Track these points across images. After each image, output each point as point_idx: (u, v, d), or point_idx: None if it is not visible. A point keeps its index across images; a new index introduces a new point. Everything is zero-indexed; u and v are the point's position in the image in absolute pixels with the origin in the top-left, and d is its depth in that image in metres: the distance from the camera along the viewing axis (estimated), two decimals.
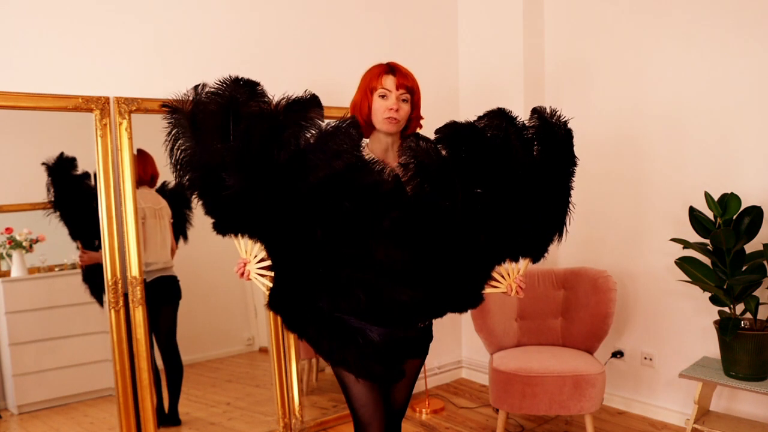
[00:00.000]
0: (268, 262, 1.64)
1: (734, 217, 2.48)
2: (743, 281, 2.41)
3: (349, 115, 1.77)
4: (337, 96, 2.73)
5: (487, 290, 1.69)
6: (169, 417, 2.68)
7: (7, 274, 2.41)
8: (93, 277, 2.47)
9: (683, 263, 2.59)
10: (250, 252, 1.65)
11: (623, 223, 3.15)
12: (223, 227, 1.63)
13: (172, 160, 1.61)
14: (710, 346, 2.79)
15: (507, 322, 2.95)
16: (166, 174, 2.63)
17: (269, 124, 1.54)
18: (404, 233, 1.52)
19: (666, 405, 3.01)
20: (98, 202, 2.40)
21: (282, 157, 1.51)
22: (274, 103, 1.60)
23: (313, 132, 1.55)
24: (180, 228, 2.73)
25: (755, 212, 2.46)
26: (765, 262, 2.44)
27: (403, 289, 1.53)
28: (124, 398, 2.43)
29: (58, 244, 2.46)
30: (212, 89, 1.59)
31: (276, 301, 1.61)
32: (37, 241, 2.43)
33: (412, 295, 1.55)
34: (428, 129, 1.74)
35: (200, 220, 1.73)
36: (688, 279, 2.59)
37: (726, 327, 2.40)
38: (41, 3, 2.34)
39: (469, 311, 2.86)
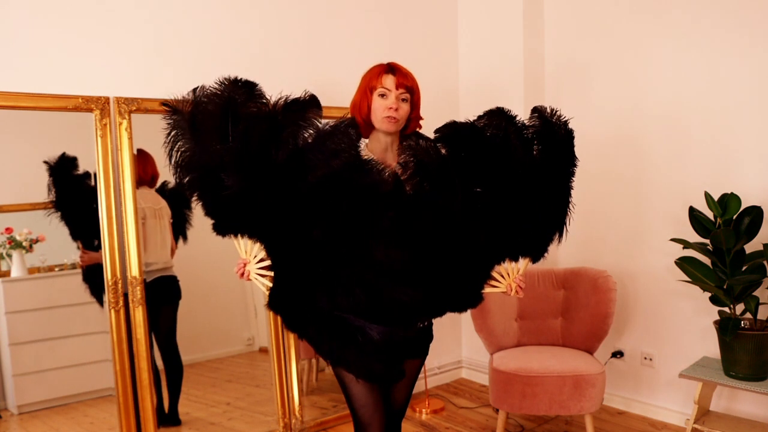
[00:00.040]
0: (268, 262, 1.64)
1: (734, 217, 2.48)
2: (743, 281, 2.41)
3: (348, 115, 1.78)
4: (337, 96, 2.73)
5: (487, 290, 1.69)
6: (169, 417, 2.68)
7: (7, 274, 2.41)
8: (93, 277, 2.47)
9: (683, 263, 2.59)
10: (249, 252, 1.65)
11: (623, 223, 3.15)
12: (222, 228, 1.63)
13: (172, 162, 1.61)
14: (710, 346, 2.79)
15: (507, 322, 2.95)
16: (166, 174, 2.63)
17: (268, 124, 1.54)
18: (404, 233, 1.52)
19: (666, 405, 3.01)
20: (98, 202, 2.40)
21: (280, 156, 1.52)
22: (272, 103, 1.60)
23: (312, 132, 1.56)
24: (180, 228, 2.73)
25: (755, 212, 2.46)
26: (765, 262, 2.44)
27: (404, 289, 1.53)
28: (124, 398, 2.43)
29: (58, 244, 2.46)
30: (210, 90, 1.59)
31: (276, 301, 1.61)
32: (37, 241, 2.43)
33: (413, 295, 1.55)
34: (428, 129, 1.74)
35: (200, 220, 1.73)
36: (688, 279, 2.59)
37: (726, 327, 2.40)
38: (41, 3, 2.35)
39: (469, 311, 2.89)
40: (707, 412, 2.71)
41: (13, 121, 2.28)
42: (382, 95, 1.72)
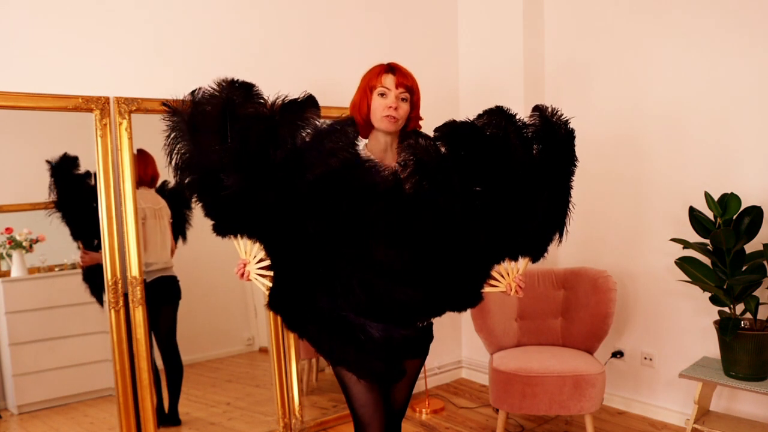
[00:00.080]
0: (268, 262, 1.64)
1: (734, 217, 2.48)
2: (743, 281, 2.41)
3: (347, 114, 1.78)
4: (337, 96, 2.72)
5: (487, 289, 1.69)
6: (169, 417, 2.68)
7: (7, 274, 2.41)
8: (93, 277, 2.47)
9: (683, 263, 2.59)
10: (249, 253, 1.65)
11: (623, 223, 3.15)
12: (222, 228, 1.63)
13: (172, 164, 1.62)
14: (710, 346, 2.79)
15: (507, 322, 2.95)
16: (165, 174, 2.63)
17: (266, 124, 1.54)
18: (403, 232, 1.52)
19: (666, 405, 3.01)
20: (98, 202, 2.40)
21: (279, 156, 1.52)
22: (270, 103, 1.60)
23: (310, 131, 1.56)
24: (179, 228, 2.73)
25: (755, 212, 2.46)
26: (765, 262, 2.44)
27: (403, 289, 1.53)
28: (124, 398, 2.43)
29: (58, 244, 2.46)
30: (208, 92, 1.59)
31: (276, 301, 1.61)
32: (37, 241, 2.43)
33: (412, 295, 1.55)
34: (428, 129, 1.74)
35: (200, 220, 1.73)
36: (688, 279, 2.59)
37: (726, 327, 2.40)
38: (41, 3, 2.35)
39: (469, 311, 2.90)
40: (707, 412, 2.71)
41: (13, 121, 2.28)
42: (382, 94, 1.72)
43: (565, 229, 1.73)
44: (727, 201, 2.48)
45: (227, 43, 2.79)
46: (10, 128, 2.31)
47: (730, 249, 2.43)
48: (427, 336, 1.89)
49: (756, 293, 2.47)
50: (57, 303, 2.49)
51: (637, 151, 3.07)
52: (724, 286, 2.48)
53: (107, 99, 2.42)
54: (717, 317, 2.60)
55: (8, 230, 2.38)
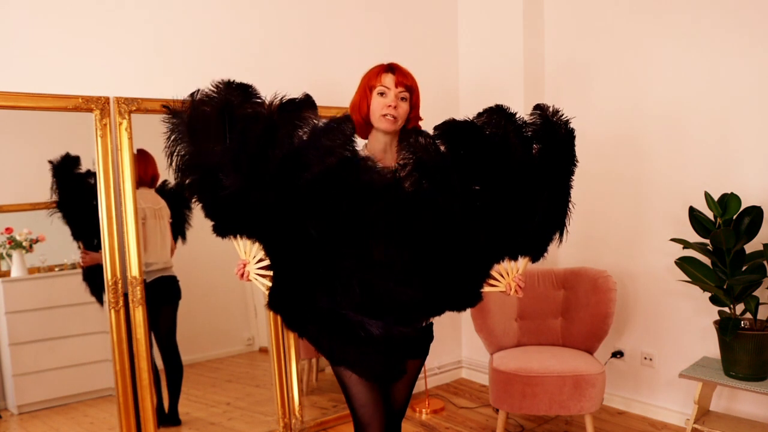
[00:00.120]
0: (267, 262, 1.64)
1: (734, 217, 2.48)
2: (743, 281, 2.41)
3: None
4: (337, 96, 2.73)
5: (486, 289, 1.69)
6: (169, 417, 2.68)
7: (7, 274, 2.41)
8: (93, 277, 2.47)
9: (683, 263, 2.59)
10: (249, 253, 1.65)
11: (623, 223, 3.15)
12: (222, 229, 1.63)
13: (173, 165, 1.62)
14: (710, 346, 2.79)
15: (507, 322, 2.95)
16: (165, 175, 2.63)
17: (264, 124, 1.55)
18: (402, 231, 1.52)
19: (666, 405, 3.01)
20: (98, 202, 2.40)
21: (277, 155, 1.52)
22: (267, 103, 1.60)
23: (307, 131, 1.56)
24: (179, 228, 2.73)
25: (755, 212, 2.46)
26: (765, 262, 2.44)
27: (403, 289, 1.53)
28: (124, 398, 2.43)
29: (58, 244, 2.46)
30: (206, 93, 1.60)
31: (275, 301, 1.61)
32: (37, 241, 2.43)
33: (412, 295, 1.55)
34: (427, 129, 1.74)
35: (200, 220, 1.73)
36: (688, 279, 2.59)
37: (726, 327, 2.40)
38: (41, 3, 2.35)
39: (469, 311, 2.90)
40: (707, 412, 2.71)
41: (13, 121, 2.28)
42: (382, 94, 1.73)
43: (565, 229, 1.73)
44: (727, 201, 2.48)
45: (227, 43, 2.79)
46: (10, 128, 2.31)
47: (730, 249, 2.43)
48: (427, 336, 1.89)
49: (756, 293, 2.47)
50: (57, 303, 2.49)
51: (637, 151, 3.07)
52: (724, 286, 2.48)
53: (107, 99, 2.42)
54: (717, 317, 2.60)
55: (8, 230, 2.38)
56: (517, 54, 3.35)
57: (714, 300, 2.56)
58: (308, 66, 3.05)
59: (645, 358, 3.08)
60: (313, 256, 1.53)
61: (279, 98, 1.60)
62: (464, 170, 1.56)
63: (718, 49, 2.74)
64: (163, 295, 2.65)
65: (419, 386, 3.31)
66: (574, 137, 1.72)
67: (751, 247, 2.50)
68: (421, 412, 3.24)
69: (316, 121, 1.57)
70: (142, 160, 2.57)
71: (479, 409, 3.29)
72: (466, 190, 1.56)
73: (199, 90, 1.62)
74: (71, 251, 2.49)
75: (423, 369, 3.23)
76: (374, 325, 1.53)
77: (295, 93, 1.65)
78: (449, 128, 1.60)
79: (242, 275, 1.67)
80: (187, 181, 1.62)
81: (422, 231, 1.54)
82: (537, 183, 1.62)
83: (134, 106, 2.46)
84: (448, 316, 1.73)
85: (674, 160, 2.92)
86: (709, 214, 2.58)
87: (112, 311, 2.41)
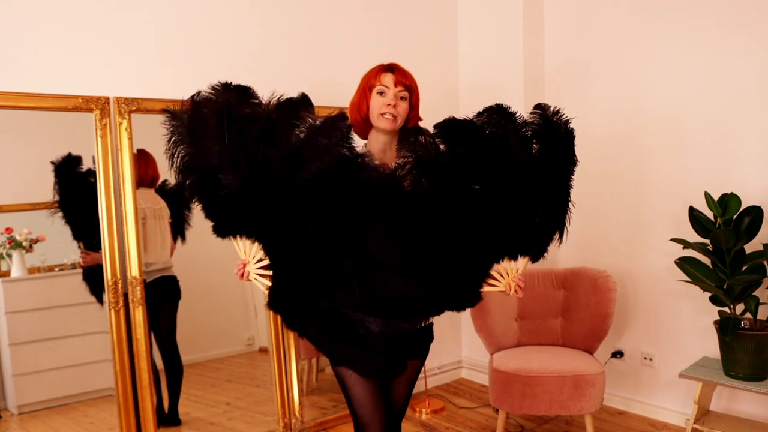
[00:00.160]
0: (267, 262, 1.64)
1: (734, 217, 2.48)
2: (743, 281, 2.41)
3: (348, 115, 1.78)
4: (337, 96, 2.73)
5: (486, 289, 1.68)
6: (169, 417, 2.68)
7: (7, 274, 2.41)
8: (93, 276, 2.47)
9: (683, 263, 2.59)
10: (249, 253, 1.65)
11: (623, 223, 3.15)
12: (222, 229, 1.63)
13: (174, 167, 1.63)
14: (710, 346, 2.79)
15: (507, 322, 2.95)
16: (166, 175, 2.63)
17: (262, 124, 1.55)
18: (402, 230, 1.52)
19: (666, 405, 3.01)
20: (98, 202, 2.40)
21: (275, 154, 1.52)
22: (265, 103, 1.61)
23: (304, 130, 1.56)
24: (178, 228, 2.73)
25: (755, 212, 2.46)
26: (765, 262, 2.44)
27: (403, 288, 1.53)
28: (124, 398, 2.43)
29: (58, 244, 2.46)
30: (205, 95, 1.61)
31: (275, 300, 1.61)
32: (37, 241, 2.43)
33: (412, 295, 1.55)
34: (427, 129, 1.74)
35: (199, 220, 1.73)
36: (688, 279, 2.59)
37: (726, 327, 2.40)
38: (41, 3, 2.35)
39: (469, 311, 2.90)
40: (707, 412, 2.71)
41: (13, 121, 2.28)
42: (381, 93, 1.73)
43: (565, 229, 1.72)
44: (727, 201, 2.48)
45: (227, 43, 2.79)
46: (10, 128, 2.31)
47: (730, 249, 2.43)
48: (427, 336, 1.89)
49: (756, 293, 2.47)
50: (57, 303, 2.49)
51: (637, 151, 3.07)
52: (724, 286, 2.48)
53: (107, 99, 2.42)
54: (717, 317, 2.60)
55: (8, 230, 2.39)
56: (517, 54, 3.35)
57: (714, 300, 2.56)
58: (308, 66, 3.05)
59: (645, 358, 3.08)
60: (313, 255, 1.53)
61: (276, 98, 1.61)
62: (464, 169, 1.56)
63: (718, 49, 2.74)
64: (163, 295, 2.65)
65: (419, 386, 3.31)
66: (573, 137, 1.72)
67: (751, 247, 2.50)
68: (421, 412, 3.24)
69: (312, 120, 1.58)
70: (143, 161, 2.57)
71: (479, 409, 3.29)
72: (465, 189, 1.56)
73: (199, 92, 1.63)
74: (71, 251, 2.49)
75: (423, 369, 3.23)
76: (374, 322, 1.53)
77: (296, 93, 1.65)
78: (449, 127, 1.60)
79: (242, 275, 1.67)
80: (187, 182, 1.62)
81: (422, 230, 1.54)
82: (537, 183, 1.62)
83: (134, 106, 2.46)
84: (448, 316, 1.73)
85: (674, 160, 2.92)
86: (709, 214, 2.58)
87: (112, 311, 2.41)
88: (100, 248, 2.42)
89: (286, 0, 2.98)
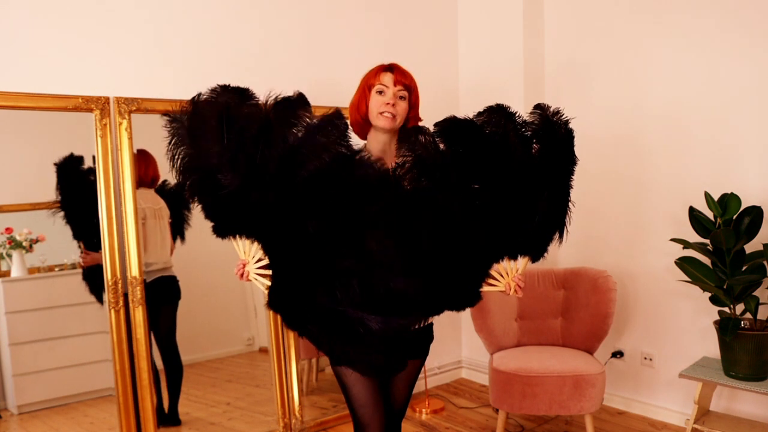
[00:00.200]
0: (267, 262, 1.64)
1: (734, 217, 2.48)
2: (743, 281, 2.41)
3: (348, 116, 1.78)
4: (337, 96, 2.72)
5: (486, 288, 1.68)
6: (169, 417, 2.68)
7: (7, 274, 2.41)
8: (93, 276, 2.47)
9: (683, 263, 2.59)
10: (248, 253, 1.65)
11: (623, 222, 3.15)
12: (222, 229, 1.64)
13: (174, 168, 1.64)
14: (710, 346, 2.79)
15: (507, 322, 2.95)
16: (166, 175, 2.63)
17: (260, 123, 1.55)
18: (401, 229, 1.52)
19: (666, 405, 3.01)
20: (98, 202, 2.40)
21: (273, 154, 1.53)
22: (263, 103, 1.62)
23: (302, 129, 1.57)
24: (177, 228, 2.73)
25: (755, 212, 2.46)
26: (765, 262, 2.44)
27: (403, 286, 1.53)
28: (124, 398, 2.43)
29: (58, 244, 2.47)
30: (204, 97, 1.62)
31: (275, 300, 1.61)
32: (37, 241, 2.44)
33: (412, 295, 1.55)
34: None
35: (199, 220, 1.73)
36: (688, 279, 2.59)
37: (726, 327, 2.40)
38: (41, 3, 2.35)
39: (469, 311, 2.90)
40: (707, 412, 2.71)
41: (13, 121, 2.28)
42: (380, 92, 1.74)
43: (565, 228, 1.72)
44: (727, 201, 2.48)
45: (227, 43, 2.79)
46: (10, 128, 2.31)
47: (730, 249, 2.43)
48: (427, 336, 1.89)
49: (756, 293, 2.47)
50: (57, 303, 2.49)
51: (637, 151, 3.07)
52: (724, 286, 2.48)
53: (107, 99, 2.42)
54: (717, 317, 2.60)
55: (8, 230, 2.39)
56: (517, 54, 3.35)
57: (714, 300, 2.56)
58: (308, 66, 3.05)
59: (645, 358, 3.08)
60: (313, 254, 1.53)
61: (273, 97, 1.61)
62: (463, 168, 1.56)
63: (718, 49, 2.74)
64: (163, 295, 2.65)
65: (419, 386, 3.31)
66: (573, 137, 1.72)
67: (751, 247, 2.50)
68: (421, 412, 3.24)
69: (310, 120, 1.58)
70: (143, 161, 2.57)
71: (479, 409, 3.29)
72: (465, 188, 1.56)
73: (199, 94, 1.64)
74: (71, 251, 2.49)
75: (423, 369, 3.23)
76: (373, 320, 1.53)
77: (285, 93, 1.65)
78: (449, 126, 1.60)
79: (242, 275, 1.67)
80: (187, 183, 1.63)
81: (421, 230, 1.54)
82: (537, 182, 1.62)
83: (134, 106, 2.46)
84: (448, 316, 1.73)
85: (674, 160, 2.92)
86: (709, 214, 2.58)
87: (112, 311, 2.41)
88: (100, 248, 2.42)
89: (286, 0, 2.98)
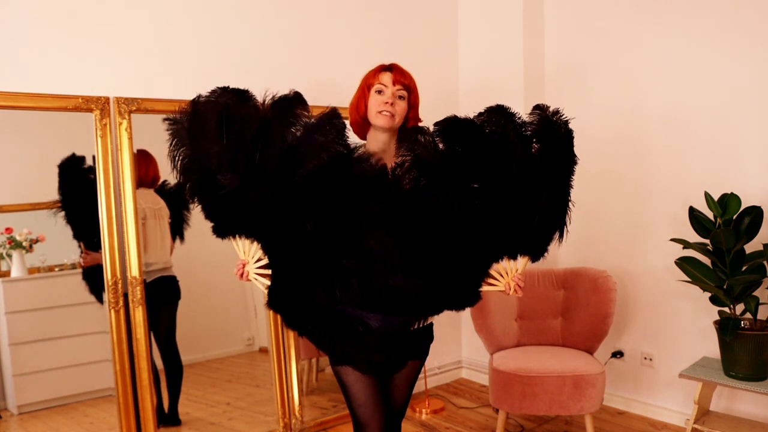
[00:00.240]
0: (267, 262, 1.64)
1: (734, 217, 2.48)
2: (743, 281, 2.41)
3: (348, 116, 1.78)
4: (337, 96, 2.72)
5: (485, 288, 1.68)
6: (169, 417, 2.68)
7: (7, 274, 2.41)
8: (93, 276, 2.47)
9: (683, 263, 2.59)
10: (248, 253, 1.65)
11: (623, 222, 3.15)
12: (222, 230, 1.64)
13: (176, 169, 1.64)
14: (710, 346, 2.79)
15: (507, 322, 2.95)
16: (166, 176, 2.63)
17: (259, 123, 1.56)
18: (400, 229, 1.52)
19: (666, 405, 3.01)
20: (98, 202, 2.40)
21: (272, 153, 1.53)
22: (261, 103, 1.62)
23: (300, 128, 1.57)
24: (177, 228, 2.73)
25: (755, 212, 2.46)
26: (765, 262, 2.44)
27: (402, 284, 1.53)
28: (124, 398, 2.43)
29: (58, 244, 2.47)
30: (204, 98, 1.63)
31: (275, 300, 1.61)
32: (37, 241, 2.44)
33: (412, 295, 1.55)
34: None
35: (199, 220, 1.73)
36: (688, 279, 2.59)
37: (726, 327, 2.40)
38: (41, 3, 2.35)
39: (469, 311, 2.90)
40: (707, 412, 2.71)
41: (13, 121, 2.28)
42: (379, 92, 1.74)
43: (565, 228, 1.72)
44: (727, 201, 2.47)
45: (227, 43, 2.79)
46: (10, 128, 2.31)
47: (730, 249, 2.43)
48: (428, 336, 1.89)
49: (756, 293, 2.47)
50: (57, 303, 2.49)
51: (637, 151, 3.07)
52: (724, 286, 2.48)
53: (107, 99, 2.42)
54: (717, 317, 2.60)
55: (8, 230, 2.39)
56: (517, 54, 3.35)
57: (714, 300, 2.56)
58: (308, 66, 3.05)
59: (645, 358, 3.08)
60: (312, 253, 1.54)
61: (271, 97, 1.62)
62: (463, 168, 1.56)
63: (718, 49, 2.74)
64: (162, 295, 2.65)
65: (419, 386, 3.31)
66: (572, 137, 1.72)
67: (751, 247, 2.50)
68: (421, 412, 3.24)
69: (308, 119, 1.58)
70: (143, 161, 2.57)
71: (479, 409, 3.29)
72: (464, 188, 1.56)
73: (199, 95, 1.65)
74: (71, 251, 2.49)
75: (423, 369, 3.23)
76: (373, 318, 1.53)
77: (281, 92, 1.65)
78: (449, 125, 1.60)
79: (242, 275, 1.67)
80: (188, 184, 1.64)
81: (421, 229, 1.54)
82: (536, 182, 1.62)
83: (134, 106, 2.46)
84: (448, 316, 1.73)
85: (674, 159, 2.92)
86: (709, 214, 2.58)
87: (112, 311, 2.41)
88: (100, 248, 2.42)
89: (286, 0, 2.98)
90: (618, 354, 3.18)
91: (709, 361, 2.70)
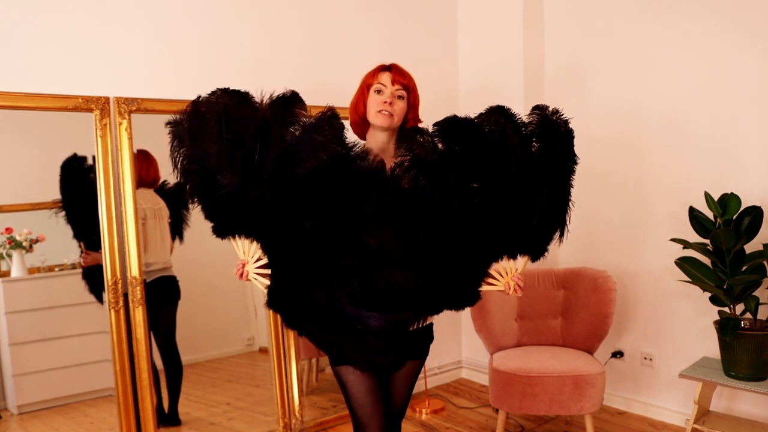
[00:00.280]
0: (266, 261, 1.64)
1: (734, 217, 2.48)
2: (743, 281, 2.41)
3: (348, 116, 1.78)
4: (337, 96, 2.72)
5: (485, 288, 1.68)
6: (169, 417, 2.68)
7: (7, 274, 2.41)
8: (93, 276, 2.47)
9: (683, 263, 2.59)
10: (248, 253, 1.66)
11: (623, 222, 3.15)
12: (221, 230, 1.64)
13: (177, 170, 1.65)
14: (710, 346, 2.79)
15: (507, 322, 2.95)
16: (166, 176, 2.63)
17: (257, 123, 1.56)
18: (400, 228, 1.52)
19: (666, 405, 3.01)
20: (98, 202, 2.40)
21: (271, 153, 1.53)
22: (259, 103, 1.62)
23: (298, 127, 1.57)
24: (176, 228, 2.73)
25: (755, 212, 2.46)
26: (765, 262, 2.44)
27: (402, 284, 1.53)
28: (124, 398, 2.43)
29: (58, 244, 2.47)
30: (204, 99, 1.63)
31: (274, 299, 1.61)
32: (37, 241, 2.44)
33: (412, 295, 1.55)
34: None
35: (199, 220, 1.73)
36: (688, 279, 2.59)
37: (726, 327, 2.40)
38: (41, 3, 2.35)
39: (469, 311, 2.90)
40: (707, 412, 2.70)
41: (13, 121, 2.29)
42: (378, 91, 1.74)
43: (565, 228, 1.72)
44: (727, 201, 2.47)
45: (227, 43, 2.79)
46: (10, 128, 2.31)
47: (730, 249, 2.43)
48: (427, 337, 1.89)
49: (756, 293, 2.47)
50: (57, 303, 2.49)
51: (637, 150, 3.07)
52: (724, 286, 2.48)
53: (107, 99, 2.42)
54: (717, 317, 2.60)
55: (8, 230, 2.39)
56: (517, 54, 3.35)
57: (714, 300, 2.56)
58: (308, 66, 3.05)
59: (645, 358, 3.08)
60: (311, 253, 1.54)
61: (269, 97, 1.62)
62: (462, 167, 1.56)
63: (718, 49, 2.74)
64: (162, 295, 2.65)
65: (419, 386, 3.31)
66: (573, 136, 1.72)
67: (751, 247, 2.50)
68: (421, 412, 3.24)
69: (306, 119, 1.59)
70: (144, 161, 2.57)
71: (479, 409, 3.29)
72: (464, 187, 1.56)
73: (199, 97, 1.65)
74: (71, 251, 2.49)
75: (423, 369, 3.23)
76: (372, 317, 1.53)
77: (278, 91, 1.66)
78: (448, 125, 1.60)
79: (241, 275, 1.68)
80: (188, 184, 1.64)
81: (420, 229, 1.54)
82: (536, 181, 1.62)
83: (134, 106, 2.47)
84: (448, 316, 1.72)
85: (674, 159, 2.92)
86: (709, 214, 2.58)
87: (112, 311, 2.41)
88: (100, 248, 2.42)
89: (286, 0, 2.98)
90: (618, 354, 3.18)
91: (709, 361, 2.70)
